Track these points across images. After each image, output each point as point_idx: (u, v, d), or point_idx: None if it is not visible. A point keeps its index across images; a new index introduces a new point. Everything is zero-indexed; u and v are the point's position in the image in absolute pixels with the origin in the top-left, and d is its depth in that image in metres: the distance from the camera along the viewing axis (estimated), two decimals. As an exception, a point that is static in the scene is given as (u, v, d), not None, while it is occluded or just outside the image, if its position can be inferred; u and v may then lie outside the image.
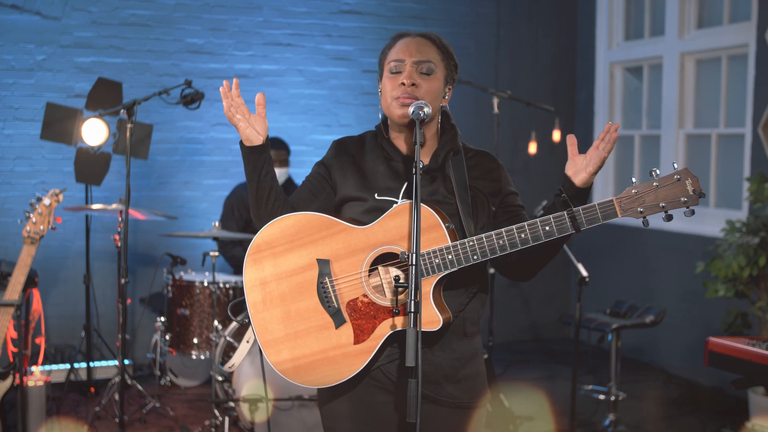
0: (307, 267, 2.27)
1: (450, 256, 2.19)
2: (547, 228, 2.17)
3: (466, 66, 6.71)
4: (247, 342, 4.04)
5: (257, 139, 2.32)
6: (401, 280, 2.18)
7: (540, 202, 5.41)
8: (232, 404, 4.59)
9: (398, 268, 2.26)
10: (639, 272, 6.51)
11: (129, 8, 5.99)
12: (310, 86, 6.47)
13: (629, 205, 2.14)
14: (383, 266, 2.26)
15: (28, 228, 4.06)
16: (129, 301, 5.92)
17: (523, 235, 2.18)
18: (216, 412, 4.53)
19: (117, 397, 4.77)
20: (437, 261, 2.20)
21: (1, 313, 3.97)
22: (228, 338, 4.69)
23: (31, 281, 4.35)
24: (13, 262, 4.29)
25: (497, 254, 2.19)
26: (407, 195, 2.32)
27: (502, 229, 2.19)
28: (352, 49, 6.55)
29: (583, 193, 2.23)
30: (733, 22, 5.80)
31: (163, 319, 5.37)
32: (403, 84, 2.32)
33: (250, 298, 2.31)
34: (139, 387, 5.05)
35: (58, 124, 5.21)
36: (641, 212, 2.14)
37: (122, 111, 4.33)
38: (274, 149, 5.57)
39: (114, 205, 4.93)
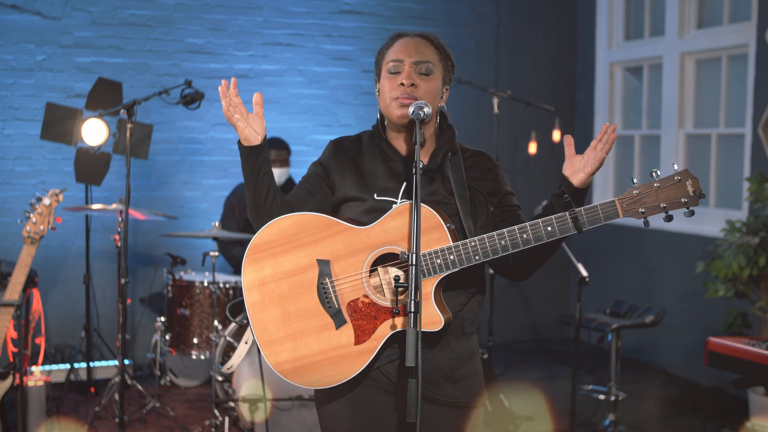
0: (307, 267, 2.27)
1: (452, 257, 2.20)
2: (549, 228, 2.18)
3: (466, 66, 6.71)
4: (246, 343, 4.04)
5: (255, 139, 2.31)
6: (401, 280, 2.18)
7: (540, 202, 5.41)
8: (232, 404, 4.59)
9: (399, 268, 2.26)
10: (639, 272, 6.51)
11: (129, 8, 5.99)
12: (310, 86, 6.47)
13: (631, 206, 2.15)
14: (382, 267, 2.26)
15: (28, 228, 4.06)
16: (129, 301, 5.92)
17: (525, 236, 2.18)
18: (216, 412, 4.53)
19: (117, 397, 4.77)
20: (439, 261, 2.20)
21: (1, 313, 3.97)
22: (228, 338, 4.69)
23: (31, 281, 4.35)
24: (13, 262, 4.29)
25: (499, 254, 2.19)
26: (406, 195, 2.32)
27: (504, 230, 2.19)
28: (352, 49, 6.55)
29: (581, 194, 2.24)
30: (733, 22, 5.80)
31: (163, 319, 5.37)
32: (402, 84, 2.32)
33: (249, 298, 2.30)
34: (139, 387, 5.05)
35: (58, 124, 5.21)
36: (642, 213, 2.15)
37: (122, 111, 4.33)
38: (275, 149, 5.58)
39: (114, 205, 4.93)
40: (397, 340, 2.26)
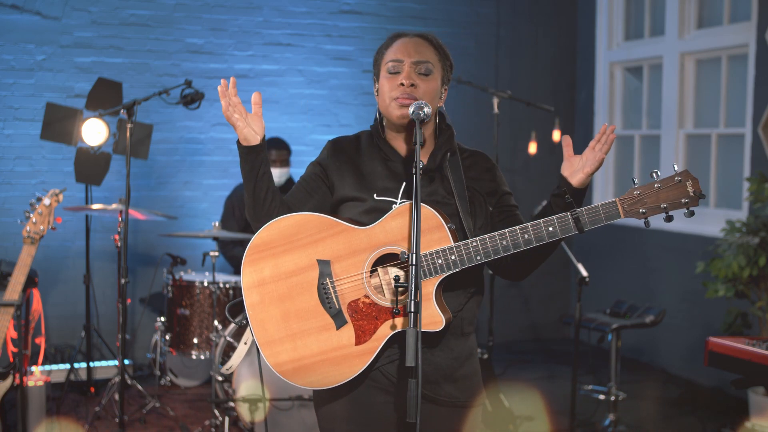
0: (308, 268, 2.27)
1: (453, 257, 2.20)
2: (550, 229, 2.18)
3: (466, 66, 6.71)
4: (245, 344, 4.03)
5: (255, 139, 2.31)
6: (401, 280, 2.18)
7: (540, 202, 5.41)
8: (232, 404, 4.59)
9: (400, 268, 2.26)
10: (639, 272, 6.51)
11: (129, 8, 5.99)
12: (310, 86, 6.47)
13: (632, 206, 2.17)
14: (382, 267, 2.25)
15: (28, 228, 4.06)
16: (129, 301, 5.91)
17: (526, 236, 2.19)
18: (216, 412, 4.53)
19: (117, 397, 4.77)
20: (440, 261, 2.20)
21: (1, 313, 3.97)
22: (228, 338, 4.69)
23: (31, 281, 4.35)
24: (13, 262, 4.29)
25: (500, 254, 2.20)
26: (406, 195, 2.32)
27: (506, 230, 2.19)
28: (352, 49, 6.55)
29: (580, 194, 2.25)
30: (733, 22, 5.80)
31: (163, 319, 5.37)
32: (402, 84, 2.31)
33: (249, 299, 2.30)
34: (139, 387, 5.05)
35: (58, 124, 5.21)
36: (643, 213, 2.16)
37: (122, 111, 4.33)
38: (275, 149, 5.58)
39: (114, 205, 4.93)
40: (397, 340, 2.26)
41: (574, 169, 2.25)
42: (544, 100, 6.33)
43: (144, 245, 6.15)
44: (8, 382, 4.02)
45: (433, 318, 2.20)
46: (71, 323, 5.90)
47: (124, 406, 4.32)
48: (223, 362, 4.71)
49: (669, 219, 2.16)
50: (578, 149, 2.26)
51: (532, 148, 6.20)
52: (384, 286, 2.25)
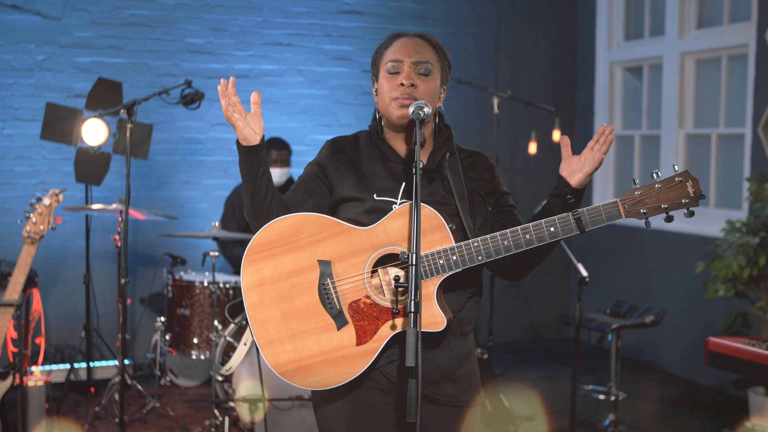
0: (308, 268, 2.26)
1: (454, 257, 2.20)
2: (552, 229, 2.19)
3: (466, 66, 6.71)
4: (245, 344, 4.03)
5: (254, 139, 2.30)
6: (401, 280, 2.18)
7: (540, 202, 5.41)
8: (232, 404, 4.59)
9: (402, 268, 2.26)
10: (639, 272, 6.51)
11: (129, 8, 5.99)
12: (310, 86, 6.47)
13: (633, 207, 2.18)
14: (382, 268, 2.25)
15: (28, 228, 4.06)
16: (129, 301, 5.92)
17: (528, 236, 2.19)
18: (216, 412, 4.53)
19: (117, 397, 4.77)
20: (441, 262, 2.20)
21: (1, 313, 3.97)
22: (228, 338, 4.69)
23: (31, 281, 4.35)
24: (13, 262, 4.29)
25: (502, 255, 2.20)
26: (406, 195, 2.32)
27: (507, 230, 2.20)
28: (352, 49, 6.55)
29: (579, 194, 2.26)
30: (733, 22, 5.80)
31: (163, 319, 5.37)
32: (402, 85, 2.31)
33: (248, 299, 2.29)
34: (139, 387, 5.05)
35: (58, 124, 5.21)
36: (644, 213, 2.17)
37: (122, 111, 4.33)
38: (276, 149, 5.58)
39: (114, 205, 4.93)
40: (398, 340, 2.26)
41: (573, 170, 2.26)
42: (544, 100, 6.33)
43: (144, 245, 6.15)
44: (8, 382, 4.02)
45: (435, 318, 2.20)
46: (71, 323, 5.90)
47: (124, 406, 4.32)
48: (223, 362, 4.71)
49: (669, 219, 2.17)
50: (578, 149, 2.26)
51: (532, 148, 6.20)
52: (384, 287, 2.25)
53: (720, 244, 5.08)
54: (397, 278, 2.19)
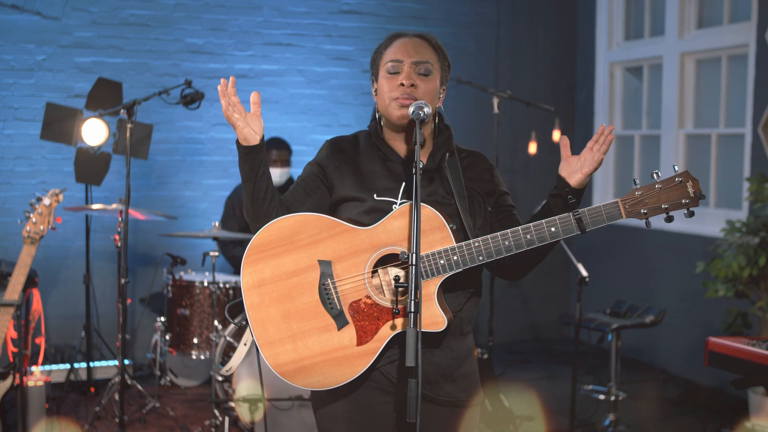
0: (308, 268, 2.26)
1: (455, 257, 2.20)
2: (553, 229, 2.19)
3: (466, 66, 6.71)
4: (245, 345, 4.03)
5: (254, 139, 2.30)
6: (401, 280, 2.18)
7: (540, 202, 5.41)
8: (232, 404, 4.59)
9: (402, 268, 2.25)
10: (639, 272, 6.51)
11: (129, 8, 5.99)
12: (310, 86, 6.47)
13: (633, 207, 2.19)
14: (382, 268, 2.25)
15: (28, 228, 4.06)
16: (129, 301, 5.92)
17: (528, 236, 2.19)
18: (216, 412, 4.53)
19: (117, 397, 4.77)
20: (442, 262, 2.20)
21: (1, 313, 3.97)
22: (228, 338, 4.69)
23: (31, 281, 4.35)
24: (13, 262, 4.29)
25: (503, 255, 2.21)
26: (406, 195, 2.32)
27: (508, 230, 2.20)
28: (352, 49, 6.55)
29: (578, 194, 2.26)
30: (733, 22, 5.80)
31: (163, 319, 5.37)
32: (402, 85, 2.31)
33: (249, 299, 2.29)
34: (139, 387, 5.05)
35: (58, 124, 5.21)
36: (645, 214, 2.18)
37: (122, 111, 4.33)
38: (276, 149, 5.58)
39: (114, 205, 4.93)
40: (398, 340, 2.26)
41: (572, 170, 2.27)
42: (544, 100, 6.33)
43: (144, 245, 6.15)
44: (8, 382, 4.02)
45: (435, 318, 2.20)
46: (71, 323, 5.90)
47: (124, 406, 4.32)
48: (223, 362, 4.71)
49: (669, 219, 2.18)
50: (578, 149, 2.27)
51: (532, 148, 6.20)
52: (385, 287, 2.25)
53: (720, 244, 5.08)
54: (397, 278, 2.19)
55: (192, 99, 4.99)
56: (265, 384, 3.95)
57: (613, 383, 4.73)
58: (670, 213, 2.18)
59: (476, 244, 2.20)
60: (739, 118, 5.75)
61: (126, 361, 4.78)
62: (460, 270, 2.22)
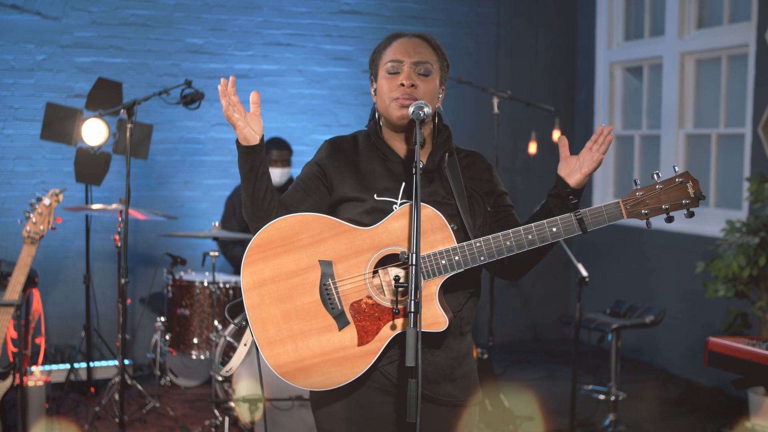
0: (309, 268, 2.26)
1: (456, 258, 2.20)
2: (554, 229, 2.20)
3: (466, 66, 6.71)
4: (245, 345, 4.03)
5: (254, 139, 2.29)
6: (401, 281, 2.18)
7: (540, 203, 5.40)
8: (232, 404, 4.59)
9: (404, 269, 2.25)
10: (639, 272, 6.51)
11: (129, 8, 5.99)
12: (310, 86, 6.47)
13: (634, 207, 2.20)
14: (383, 268, 2.25)
15: (28, 228, 4.06)
16: (129, 301, 5.91)
17: (530, 236, 2.20)
18: (216, 412, 4.53)
19: (117, 397, 4.77)
20: (444, 262, 2.20)
21: (1, 313, 3.97)
22: (228, 338, 4.69)
23: (31, 281, 4.34)
24: (13, 262, 4.29)
25: (504, 255, 2.21)
26: (406, 195, 2.32)
27: (510, 231, 2.20)
28: (352, 49, 6.55)
29: (577, 194, 2.27)
30: (733, 22, 5.80)
31: (163, 319, 5.37)
32: (402, 85, 2.31)
33: (249, 300, 2.28)
34: (139, 387, 5.05)
35: (58, 124, 5.21)
36: (645, 214, 2.19)
37: (122, 111, 4.33)
38: (277, 149, 5.59)
39: (114, 205, 4.93)
40: (399, 340, 2.26)
41: (571, 170, 2.28)
42: (544, 100, 6.33)
43: (144, 245, 6.15)
44: (8, 382, 4.02)
45: (437, 318, 2.20)
46: (71, 323, 5.90)
47: (124, 406, 4.32)
48: (224, 362, 4.71)
49: (670, 220, 2.19)
50: (579, 149, 2.27)
51: (532, 148, 6.20)
52: (385, 287, 2.25)
53: (720, 244, 5.08)
54: (397, 278, 2.19)
55: (192, 99, 4.99)
56: (264, 384, 3.95)
57: (613, 383, 4.73)
58: (671, 213, 2.19)
59: (478, 244, 2.20)
60: (739, 118, 5.75)
61: (126, 361, 4.78)
62: (462, 270, 2.22)
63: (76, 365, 5.47)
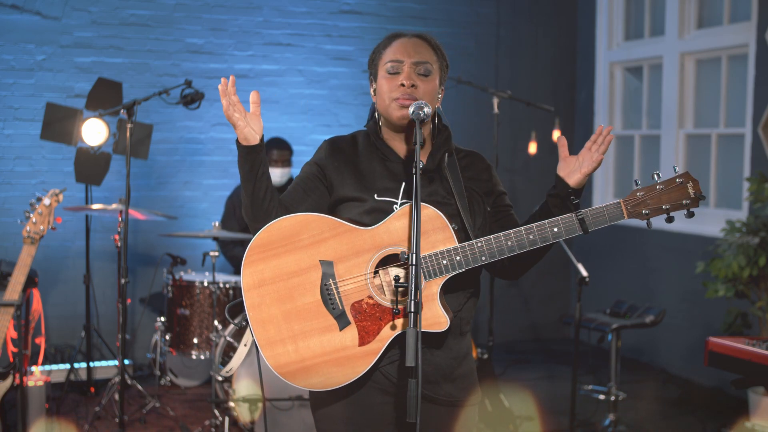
0: (310, 268, 2.26)
1: (458, 258, 2.20)
2: (555, 230, 2.20)
3: (466, 66, 6.71)
4: (245, 345, 4.03)
5: (254, 139, 2.29)
6: (401, 280, 2.18)
7: (540, 203, 5.40)
8: (232, 404, 4.59)
9: (404, 269, 2.25)
10: (639, 272, 6.51)
11: (129, 8, 5.99)
12: (310, 86, 6.47)
13: (635, 208, 2.20)
14: (383, 269, 2.25)
15: (28, 228, 4.06)
16: (129, 301, 5.91)
17: (531, 236, 2.20)
18: (216, 412, 4.53)
19: (117, 397, 4.77)
20: (445, 262, 2.20)
21: (1, 313, 3.97)
22: (228, 338, 4.69)
23: (31, 281, 4.35)
24: (13, 262, 4.29)
25: (505, 255, 2.21)
26: (406, 195, 2.32)
27: (511, 231, 2.20)
28: (352, 49, 6.55)
29: (577, 194, 2.27)
30: (733, 22, 5.80)
31: (163, 319, 5.37)
32: (402, 85, 2.31)
33: (249, 300, 2.28)
34: (139, 387, 5.05)
35: (58, 124, 5.21)
36: (646, 214, 2.20)
37: (122, 111, 4.33)
38: (277, 149, 5.58)
39: (114, 205, 4.93)
40: (399, 341, 2.26)
41: (571, 170, 2.28)
42: (544, 100, 6.33)
43: (144, 245, 6.15)
44: (8, 382, 4.02)
45: (438, 318, 2.20)
46: (71, 323, 5.90)
47: (124, 406, 4.32)
48: (224, 363, 4.71)
49: (670, 220, 2.20)
50: (578, 149, 2.27)
51: (532, 148, 6.20)
52: (385, 287, 2.25)
53: (720, 244, 5.08)
54: (397, 278, 2.18)
55: (192, 99, 4.99)
56: (264, 384, 3.95)
57: (613, 383, 4.73)
58: (671, 213, 2.19)
59: (479, 244, 2.20)
60: (739, 118, 5.75)
61: (126, 361, 4.78)
62: (463, 270, 2.22)
63: (76, 365, 5.47)
